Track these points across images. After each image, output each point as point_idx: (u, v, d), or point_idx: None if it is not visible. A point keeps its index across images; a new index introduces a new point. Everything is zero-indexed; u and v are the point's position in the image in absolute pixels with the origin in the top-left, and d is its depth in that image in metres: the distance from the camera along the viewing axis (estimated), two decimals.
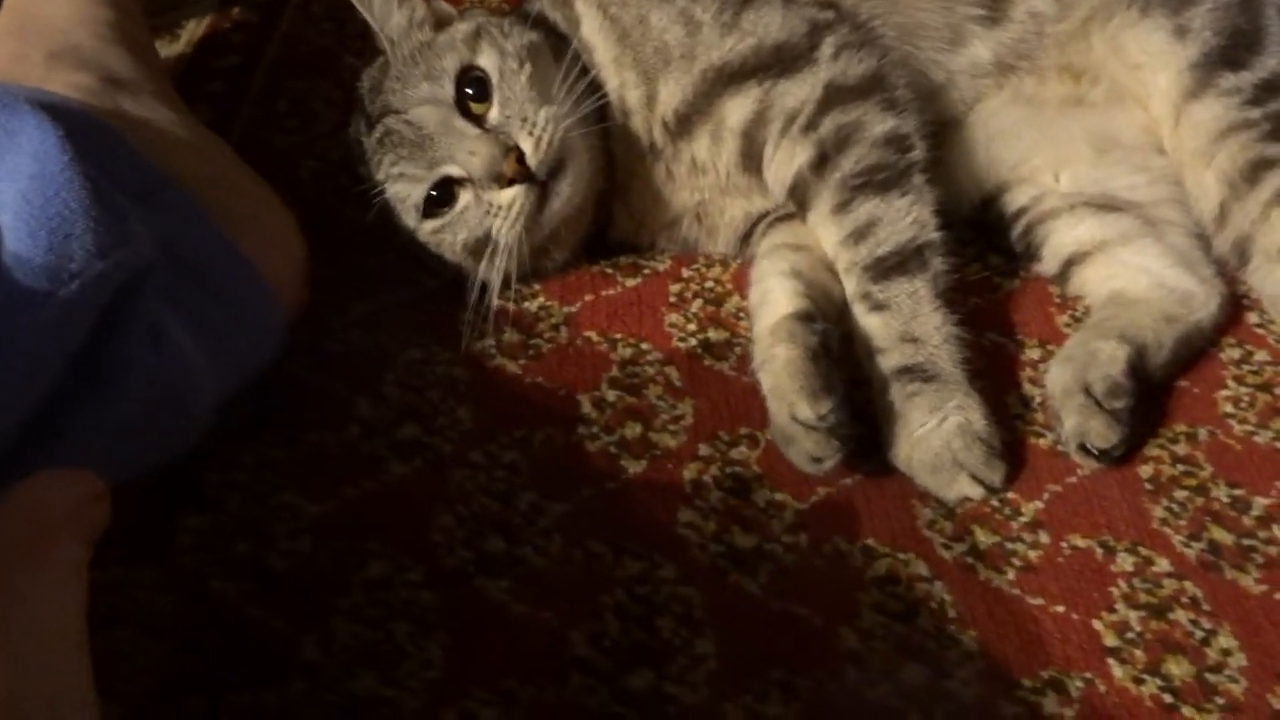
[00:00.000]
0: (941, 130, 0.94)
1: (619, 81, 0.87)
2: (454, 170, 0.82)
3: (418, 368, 0.84)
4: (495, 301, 0.84)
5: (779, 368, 0.75)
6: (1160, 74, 0.91)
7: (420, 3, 0.88)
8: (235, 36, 1.22)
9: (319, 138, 1.07)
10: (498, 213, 0.81)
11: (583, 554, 0.71)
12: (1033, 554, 0.71)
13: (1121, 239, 0.88)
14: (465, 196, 0.82)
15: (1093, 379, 0.76)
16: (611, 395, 0.82)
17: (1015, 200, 0.93)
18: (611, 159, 0.89)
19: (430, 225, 0.84)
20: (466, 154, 0.80)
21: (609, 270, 0.93)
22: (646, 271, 0.93)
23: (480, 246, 0.83)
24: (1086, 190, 0.91)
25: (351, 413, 0.80)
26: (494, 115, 0.82)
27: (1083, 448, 0.75)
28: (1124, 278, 0.86)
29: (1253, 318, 0.88)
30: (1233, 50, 0.89)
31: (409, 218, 0.85)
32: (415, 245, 0.87)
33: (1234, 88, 0.87)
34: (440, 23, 0.88)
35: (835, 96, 0.83)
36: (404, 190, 0.84)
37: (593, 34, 0.88)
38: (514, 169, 0.79)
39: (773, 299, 0.81)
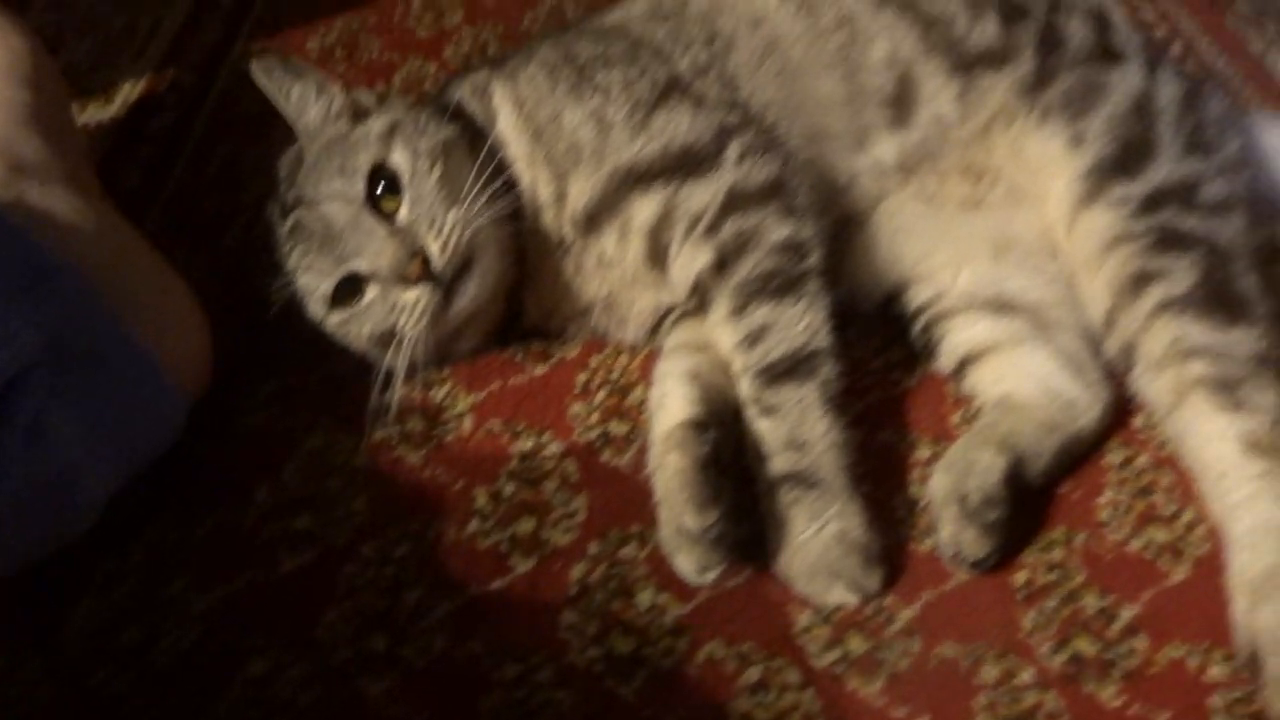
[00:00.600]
0: (847, 226, 0.97)
1: (531, 177, 0.89)
2: (361, 267, 0.83)
3: (319, 454, 0.85)
4: (399, 391, 0.86)
5: (669, 477, 0.77)
6: (1057, 179, 0.94)
7: (339, 93, 0.90)
8: (170, 98, 1.23)
9: (245, 207, 1.08)
10: (402, 310, 0.83)
11: (464, 655, 0.72)
12: (903, 662, 0.73)
13: (1013, 341, 0.91)
14: (371, 291, 0.84)
15: (969, 489, 0.78)
16: (509, 489, 0.83)
17: (915, 298, 0.95)
18: (523, 250, 0.91)
19: (337, 317, 0.86)
20: (373, 253, 0.82)
21: (518, 357, 0.94)
22: (555, 359, 0.94)
23: (386, 338, 0.85)
24: (983, 291, 0.94)
25: (250, 499, 0.81)
26: (403, 214, 0.83)
27: (956, 557, 0.77)
28: (1013, 380, 0.89)
29: (1138, 421, 0.91)
30: (1125, 160, 0.92)
31: (316, 308, 0.86)
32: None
33: (1124, 198, 0.90)
34: (358, 114, 0.90)
35: (737, 201, 0.85)
36: (312, 282, 0.85)
37: (508, 129, 0.90)
38: (418, 271, 0.81)
39: (669, 404, 0.83)
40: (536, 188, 0.89)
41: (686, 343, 0.88)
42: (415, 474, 0.84)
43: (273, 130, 1.16)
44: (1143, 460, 0.88)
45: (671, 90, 0.89)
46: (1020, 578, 0.79)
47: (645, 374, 0.93)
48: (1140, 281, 0.87)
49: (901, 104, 0.95)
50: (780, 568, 0.76)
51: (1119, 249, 0.89)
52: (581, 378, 0.93)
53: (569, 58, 0.92)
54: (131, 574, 0.76)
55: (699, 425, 0.80)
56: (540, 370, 0.93)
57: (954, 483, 0.79)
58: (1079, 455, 0.86)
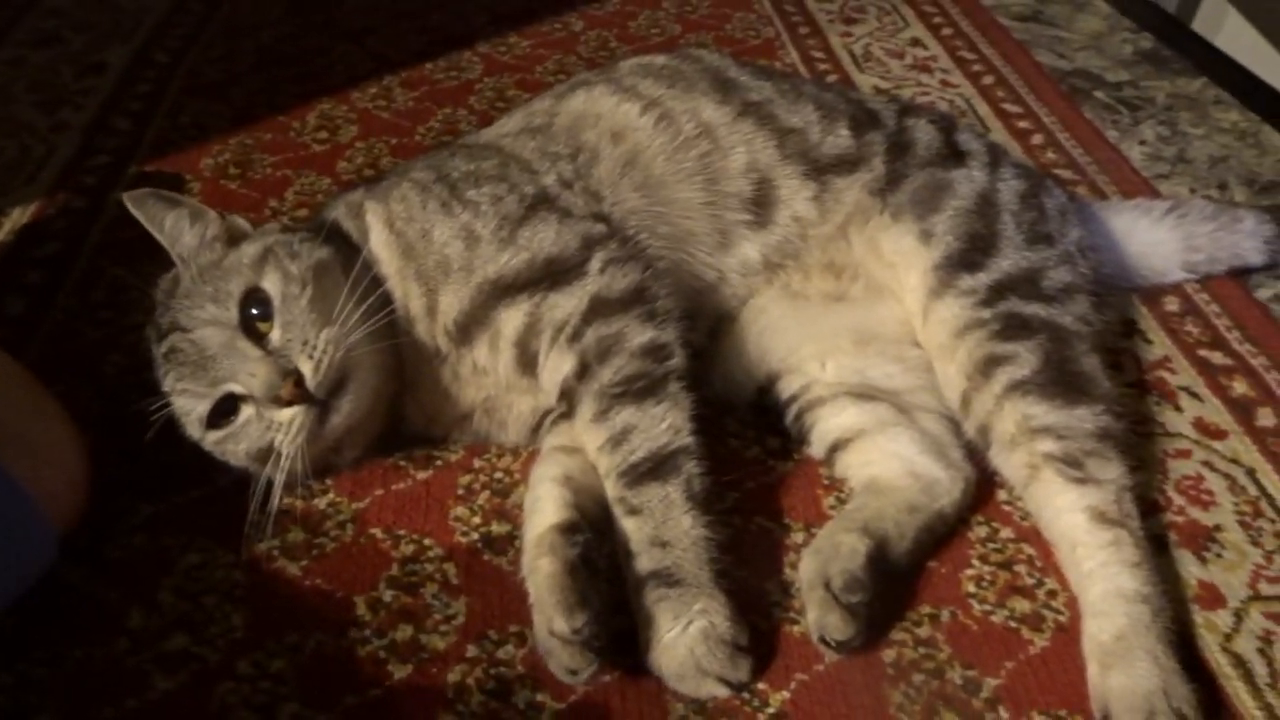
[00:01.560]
0: (718, 323, 1.01)
1: (403, 292, 0.92)
2: (236, 388, 0.85)
3: (196, 572, 0.85)
4: (276, 504, 0.86)
5: (540, 580, 0.78)
6: (910, 273, 1.00)
7: (215, 219, 0.93)
8: (58, 223, 1.25)
9: (130, 329, 1.08)
10: (279, 428, 0.84)
11: None
12: None
13: (878, 427, 0.95)
14: (247, 410, 0.85)
15: (833, 573, 0.81)
16: (388, 595, 0.84)
17: (787, 388, 0.99)
18: (401, 362, 0.93)
19: (214, 436, 0.87)
20: (247, 375, 0.84)
21: (402, 463, 0.96)
22: (439, 463, 0.96)
23: (264, 455, 0.86)
24: (848, 380, 0.98)
25: (122, 624, 0.81)
26: (276, 337, 0.85)
27: (823, 639, 0.79)
28: (879, 464, 0.93)
29: (1001, 495, 0.95)
30: (970, 253, 0.98)
31: (194, 430, 0.87)
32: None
33: (970, 288, 0.96)
34: (233, 239, 0.92)
35: (599, 309, 0.89)
36: (188, 405, 0.86)
37: (379, 246, 0.93)
38: (291, 392, 0.83)
39: (541, 507, 0.85)
40: (409, 302, 0.92)
41: (561, 445, 0.91)
42: (295, 585, 0.84)
43: (161, 254, 1.19)
44: (1006, 533, 0.92)
45: (538, 204, 0.93)
46: (889, 655, 0.81)
47: (527, 474, 0.95)
48: (989, 365, 0.92)
49: (761, 206, 1.01)
50: (652, 664, 0.78)
51: (969, 336, 0.94)
52: (465, 480, 0.95)
53: (441, 176, 0.96)
54: None
55: (570, 529, 0.82)
56: (423, 475, 0.95)
57: (819, 567, 0.82)
58: (941, 535, 0.90)
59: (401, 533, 0.89)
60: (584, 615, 0.75)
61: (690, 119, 1.01)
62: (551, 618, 0.75)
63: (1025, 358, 0.91)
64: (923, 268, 0.99)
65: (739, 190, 1.00)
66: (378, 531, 0.89)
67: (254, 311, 0.86)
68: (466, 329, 0.91)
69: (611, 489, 0.84)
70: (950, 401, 0.96)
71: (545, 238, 0.91)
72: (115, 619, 0.81)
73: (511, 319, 0.90)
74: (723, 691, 0.77)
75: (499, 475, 0.95)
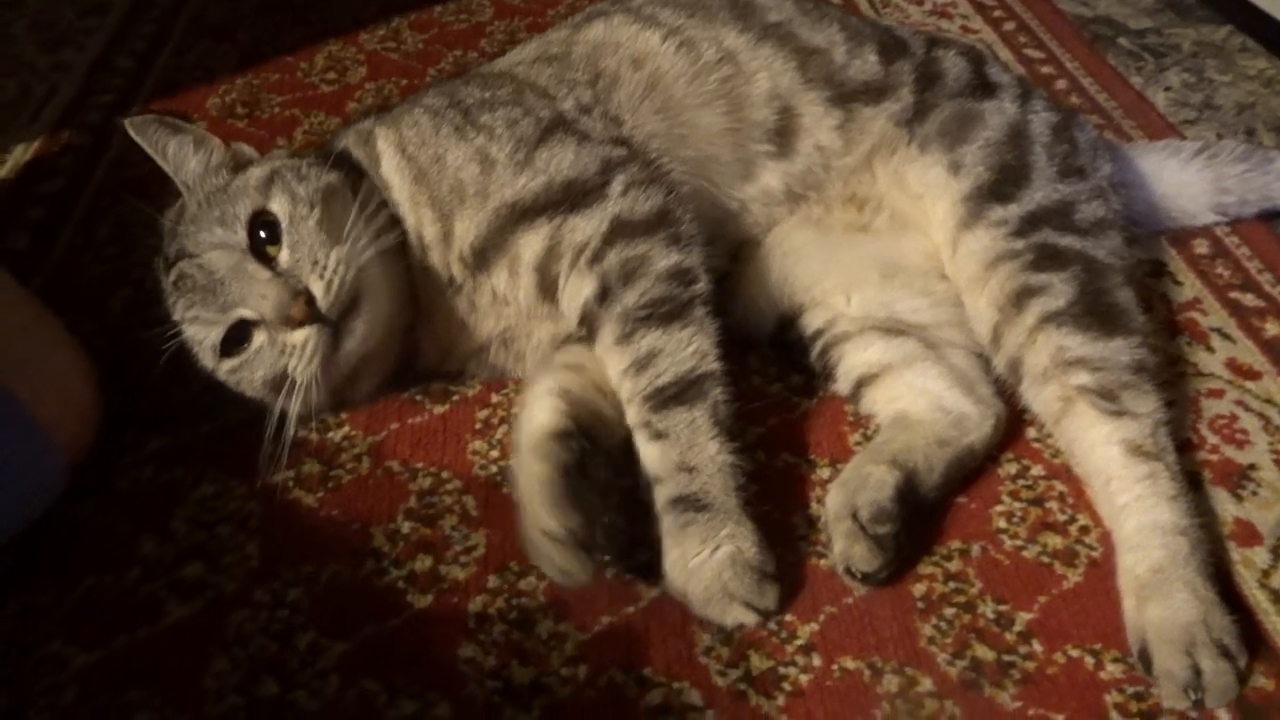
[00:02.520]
0: (740, 249, 0.98)
1: (416, 219, 0.89)
2: (247, 313, 0.83)
3: (210, 503, 0.83)
4: (292, 434, 0.84)
5: (529, 481, 0.76)
6: (938, 205, 0.97)
7: (219, 146, 0.90)
8: (63, 160, 1.22)
9: (136, 265, 1.06)
10: (292, 352, 0.82)
11: (357, 694, 0.70)
12: (804, 678, 0.73)
13: (905, 362, 0.93)
14: (260, 337, 0.83)
15: (860, 504, 0.79)
16: (406, 527, 0.82)
17: (811, 322, 0.97)
18: (415, 292, 0.90)
19: (228, 365, 0.84)
20: (258, 297, 0.81)
21: (419, 397, 0.94)
22: (456, 398, 0.94)
23: (278, 382, 0.84)
24: (874, 314, 0.96)
25: (134, 553, 0.79)
26: (285, 259, 0.83)
27: (849, 571, 0.78)
28: (906, 399, 0.91)
29: (1031, 433, 0.93)
30: (1001, 185, 0.95)
31: (207, 358, 0.85)
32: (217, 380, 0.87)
33: (1001, 219, 0.94)
34: (239, 165, 0.90)
35: (621, 231, 0.87)
36: (200, 333, 0.84)
37: (391, 172, 0.90)
38: (303, 312, 0.81)
39: (536, 415, 0.82)
40: (422, 229, 0.89)
41: (566, 363, 0.89)
42: (311, 516, 0.83)
43: (167, 192, 1.16)
44: (1036, 470, 0.90)
45: (556, 128, 0.91)
46: (919, 589, 0.79)
47: None
48: (1022, 297, 0.90)
49: (784, 135, 0.98)
50: (677, 589, 0.76)
51: (1000, 267, 0.92)
52: (482, 414, 0.93)
53: (454, 102, 0.93)
54: (2, 637, 0.73)
55: (564, 435, 0.80)
56: (440, 409, 0.93)
57: (846, 498, 0.80)
58: (971, 469, 0.88)
59: (419, 466, 0.87)
60: (576, 515, 0.73)
61: (711, 45, 0.98)
62: (540, 515, 0.74)
63: (1059, 289, 0.89)
64: (951, 199, 0.96)
65: (762, 119, 0.97)
66: (394, 464, 0.87)
67: (262, 235, 0.83)
68: (484, 255, 0.89)
69: (635, 414, 0.82)
70: (980, 336, 0.94)
71: (563, 160, 0.89)
72: (127, 548, 0.79)
73: (531, 243, 0.88)
74: (750, 618, 0.75)
75: (516, 410, 0.93)
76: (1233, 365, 1.00)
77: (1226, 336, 1.04)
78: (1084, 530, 0.84)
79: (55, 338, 0.85)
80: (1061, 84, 1.44)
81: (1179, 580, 0.75)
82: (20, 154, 1.22)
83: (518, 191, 0.88)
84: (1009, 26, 1.59)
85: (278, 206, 0.84)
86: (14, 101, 1.31)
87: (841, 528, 0.79)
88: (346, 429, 0.90)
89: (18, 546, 0.76)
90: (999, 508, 0.86)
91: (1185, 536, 0.78)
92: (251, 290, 0.82)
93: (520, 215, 0.88)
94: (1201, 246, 1.14)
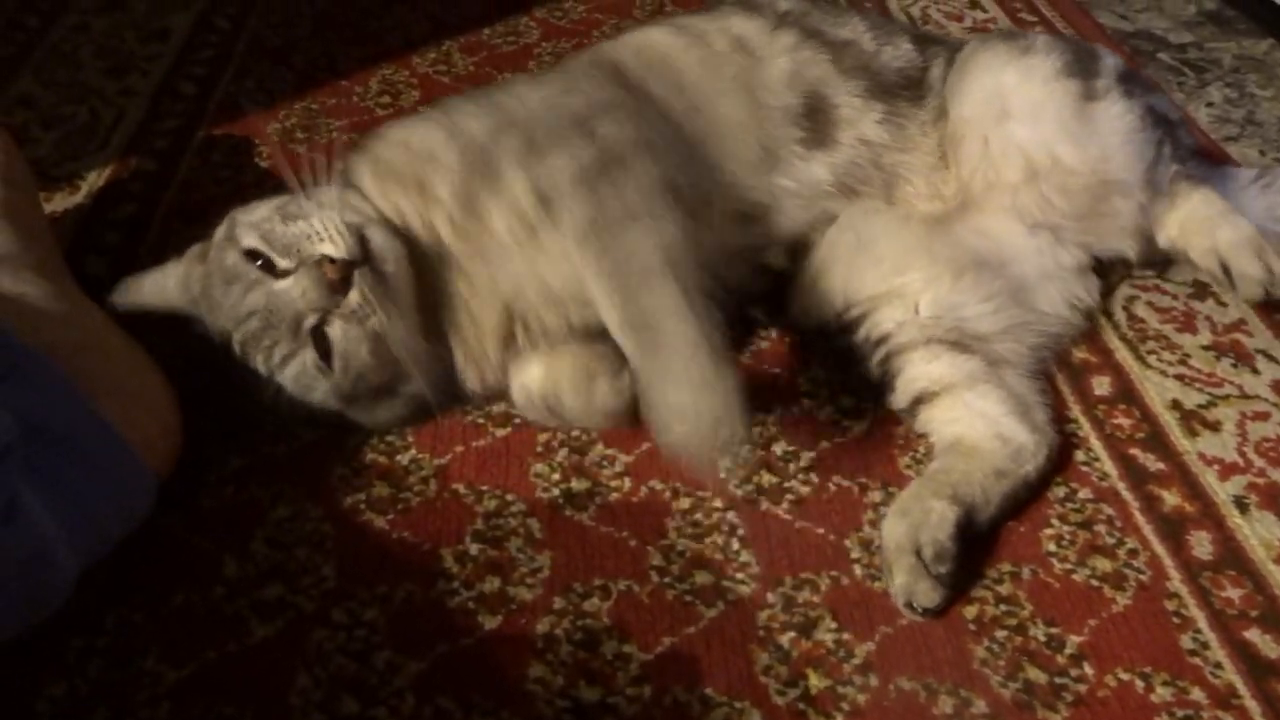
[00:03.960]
0: (799, 248, 1.01)
1: (391, 209, 0.92)
2: (310, 317, 0.86)
3: (287, 524, 0.87)
4: (435, 401, 0.91)
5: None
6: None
7: (185, 259, 0.94)
8: (133, 186, 1.26)
9: None
10: (362, 312, 0.86)
11: (433, 712, 0.74)
12: (861, 698, 0.75)
13: (967, 382, 0.94)
14: (335, 326, 0.87)
15: (924, 542, 0.81)
16: (474, 549, 0.85)
17: (875, 326, 0.98)
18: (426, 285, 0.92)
19: (339, 370, 0.88)
20: (300, 297, 0.85)
21: (480, 420, 0.97)
22: (517, 421, 0.97)
23: (383, 351, 0.87)
24: (943, 320, 0.97)
25: (218, 572, 0.83)
26: (286, 260, 0.86)
27: (909, 605, 0.80)
28: (964, 422, 0.92)
29: (1080, 456, 0.95)
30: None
31: (321, 381, 0.88)
32: (295, 404, 0.90)
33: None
34: (203, 252, 0.94)
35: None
36: (296, 369, 0.87)
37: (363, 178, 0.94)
38: (335, 269, 0.84)
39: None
40: (406, 218, 0.92)
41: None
42: (383, 538, 0.86)
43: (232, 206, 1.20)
44: (1085, 494, 0.92)
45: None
46: (971, 611, 0.82)
47: (603, 434, 0.96)
48: None
49: (816, 123, 1.01)
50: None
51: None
52: (543, 437, 0.96)
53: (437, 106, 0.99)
54: (101, 652, 0.77)
55: None
56: (502, 432, 0.96)
57: (908, 532, 0.82)
58: (1024, 501, 0.90)
59: (484, 488, 0.91)
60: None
61: (723, 36, 1.03)
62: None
63: None
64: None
65: (786, 104, 1.01)
66: (460, 487, 0.91)
67: (259, 263, 0.87)
68: (472, 199, 0.91)
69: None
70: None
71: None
72: (211, 567, 0.83)
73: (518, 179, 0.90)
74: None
75: (576, 433, 0.96)
76: (1278, 387, 1.02)
77: (1272, 358, 1.05)
78: (1132, 554, 0.86)
79: (139, 362, 0.89)
80: None
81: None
82: (94, 180, 1.26)
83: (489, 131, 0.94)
84: None
85: (248, 238, 0.88)
86: (85, 127, 1.36)
87: (904, 563, 0.80)
88: (413, 452, 0.94)
89: (113, 562, 0.79)
90: (1048, 531, 0.88)
91: None
92: (292, 297, 0.85)
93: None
94: None
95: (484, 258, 0.92)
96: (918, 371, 0.96)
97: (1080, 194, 1.04)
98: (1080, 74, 1.06)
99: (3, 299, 0.81)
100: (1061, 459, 0.94)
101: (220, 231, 0.92)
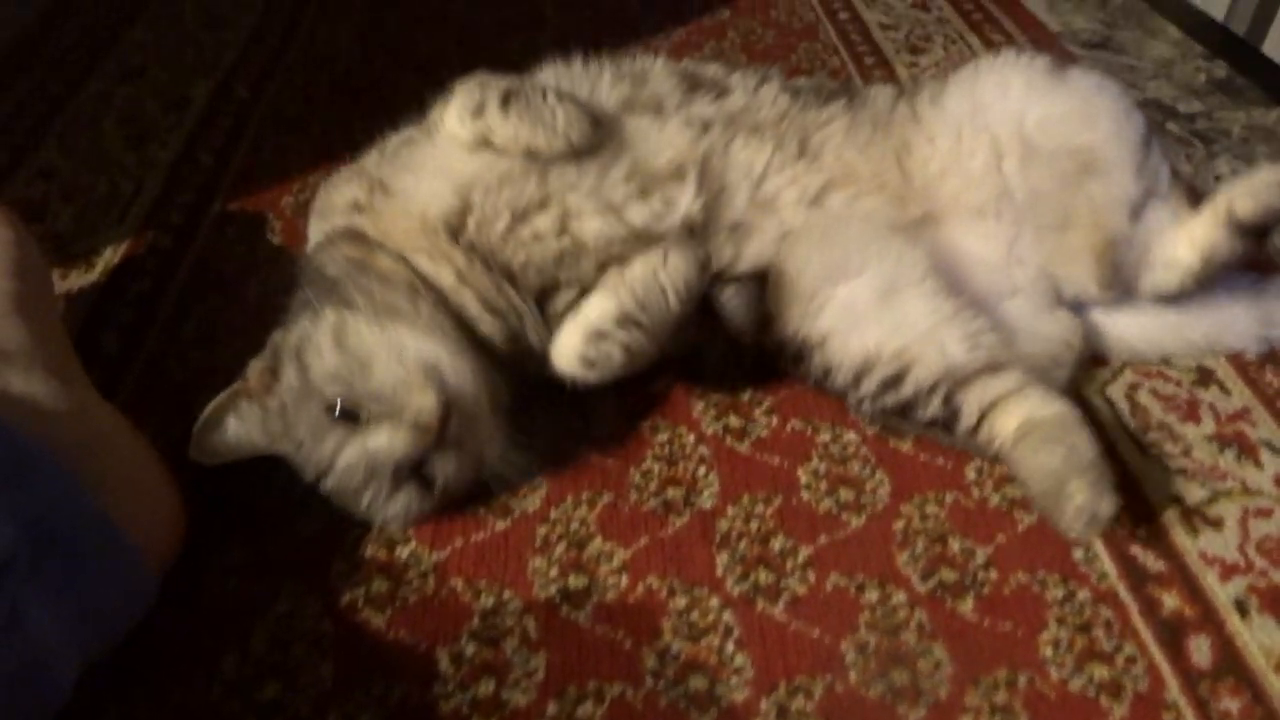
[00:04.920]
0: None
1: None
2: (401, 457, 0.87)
3: (286, 620, 0.88)
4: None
5: None
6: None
7: (246, 382, 0.93)
8: (149, 261, 1.29)
9: (219, 369, 1.11)
10: (460, 442, 0.90)
11: None
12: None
13: (1018, 386, 0.96)
14: (435, 463, 0.90)
15: (1089, 461, 0.86)
16: (470, 649, 0.86)
17: (927, 379, 0.98)
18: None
19: (439, 496, 0.92)
20: (400, 452, 0.87)
21: (481, 511, 0.98)
22: (516, 513, 0.98)
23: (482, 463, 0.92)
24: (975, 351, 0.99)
25: (217, 670, 0.84)
26: (374, 409, 0.87)
27: (1093, 520, 0.84)
28: (1028, 406, 0.94)
29: (1078, 554, 0.95)
30: None
31: (417, 503, 0.91)
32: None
33: None
34: (263, 384, 0.92)
35: None
36: (397, 505, 0.90)
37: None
38: (430, 426, 0.86)
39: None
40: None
41: None
42: (380, 637, 0.87)
43: (247, 290, 1.23)
44: (1083, 595, 0.91)
45: None
46: None
47: (602, 526, 0.97)
48: None
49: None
50: None
51: None
52: (542, 531, 0.96)
53: None
54: None
55: None
56: (502, 525, 0.97)
57: (1067, 458, 0.86)
58: None
59: (482, 584, 0.91)
60: None
61: None
62: None
63: None
64: None
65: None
66: (458, 582, 0.91)
67: (343, 413, 0.87)
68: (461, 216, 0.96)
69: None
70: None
71: None
72: (210, 664, 0.84)
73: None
74: None
75: (575, 526, 0.97)
76: None
77: (1276, 450, 1.05)
78: (1130, 661, 0.86)
79: (145, 457, 0.90)
80: None
81: None
82: (110, 256, 1.29)
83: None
84: None
85: (329, 389, 0.87)
86: (104, 200, 1.38)
87: (1085, 479, 0.85)
88: (413, 545, 0.95)
89: (112, 658, 0.81)
90: (1045, 635, 0.88)
91: None
92: (392, 453, 0.87)
93: None
94: (1250, 352, 1.15)
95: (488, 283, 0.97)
96: (974, 397, 0.97)
97: (1045, 169, 1.04)
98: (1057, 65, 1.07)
99: (12, 400, 0.83)
100: (1059, 557, 0.94)
101: (288, 369, 0.89)
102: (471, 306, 0.96)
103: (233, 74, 1.70)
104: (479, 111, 0.99)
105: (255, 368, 0.93)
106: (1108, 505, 0.83)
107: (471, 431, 0.89)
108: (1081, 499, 0.84)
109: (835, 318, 1.00)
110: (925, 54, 1.78)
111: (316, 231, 1.05)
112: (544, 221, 0.97)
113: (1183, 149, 1.56)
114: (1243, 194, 1.02)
